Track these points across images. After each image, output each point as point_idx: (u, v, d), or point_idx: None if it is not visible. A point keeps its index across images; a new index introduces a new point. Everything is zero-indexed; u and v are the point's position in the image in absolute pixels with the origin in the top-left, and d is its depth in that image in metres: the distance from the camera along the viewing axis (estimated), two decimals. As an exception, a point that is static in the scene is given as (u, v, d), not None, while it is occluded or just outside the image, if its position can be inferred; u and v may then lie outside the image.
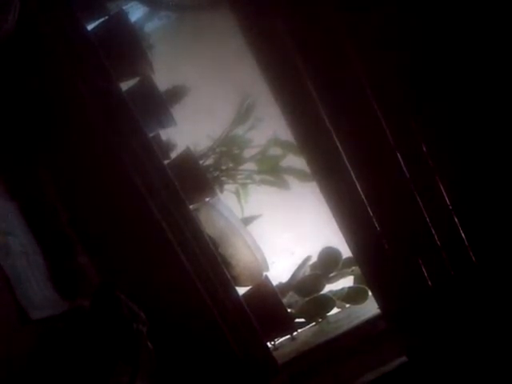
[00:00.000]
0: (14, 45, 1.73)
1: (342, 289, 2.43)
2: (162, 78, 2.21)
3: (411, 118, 1.76)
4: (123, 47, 1.98)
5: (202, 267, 1.86)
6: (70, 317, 1.54)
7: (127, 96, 1.88)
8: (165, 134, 2.22)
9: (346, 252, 2.31)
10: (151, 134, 2.03)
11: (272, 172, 2.69)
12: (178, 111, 2.27)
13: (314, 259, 2.56)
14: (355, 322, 2.19)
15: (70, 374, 1.37)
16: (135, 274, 1.80)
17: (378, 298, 1.94)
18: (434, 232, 1.82)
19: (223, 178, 2.65)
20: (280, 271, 2.59)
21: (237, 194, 2.72)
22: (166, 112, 2.13)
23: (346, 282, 2.51)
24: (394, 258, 1.86)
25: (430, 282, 1.86)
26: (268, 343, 2.09)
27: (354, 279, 2.49)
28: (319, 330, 2.31)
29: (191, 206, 1.98)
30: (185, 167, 2.06)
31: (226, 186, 2.67)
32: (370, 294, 2.27)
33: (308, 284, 2.45)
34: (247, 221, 2.58)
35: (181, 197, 1.89)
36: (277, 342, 2.32)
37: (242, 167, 2.70)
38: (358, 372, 1.94)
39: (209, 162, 2.64)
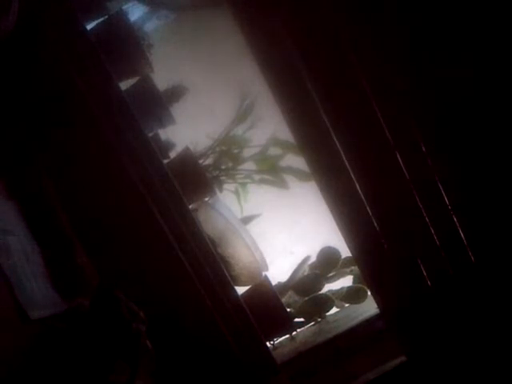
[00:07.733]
0: (14, 44, 1.73)
1: (341, 288, 2.43)
2: (162, 78, 2.21)
3: (411, 117, 1.76)
4: (123, 47, 1.98)
5: (201, 267, 1.86)
6: (70, 316, 1.54)
7: (126, 95, 1.88)
8: (164, 134, 2.22)
9: (345, 252, 2.31)
10: (150, 134, 2.03)
11: (271, 171, 2.69)
12: (178, 110, 2.27)
13: (313, 259, 2.56)
14: (354, 321, 2.19)
15: (69, 373, 1.38)
16: (134, 274, 1.80)
17: (377, 297, 1.94)
18: (433, 232, 1.82)
19: (222, 178, 2.65)
20: (279, 271, 2.59)
21: (236, 193, 2.72)
22: (165, 111, 2.12)
23: (345, 281, 2.51)
24: (393, 258, 1.86)
25: (429, 282, 1.87)
26: (267, 343, 2.09)
27: (353, 279, 2.49)
28: (318, 330, 2.32)
29: (190, 206, 1.98)
30: (184, 167, 2.06)
31: (226, 186, 2.67)
32: (368, 293, 2.28)
33: (307, 284, 2.45)
34: (246, 220, 2.57)
35: (180, 196, 1.89)
36: (276, 342, 2.32)
37: (241, 167, 2.70)
38: (357, 371, 1.94)
39: (208, 161, 2.64)
